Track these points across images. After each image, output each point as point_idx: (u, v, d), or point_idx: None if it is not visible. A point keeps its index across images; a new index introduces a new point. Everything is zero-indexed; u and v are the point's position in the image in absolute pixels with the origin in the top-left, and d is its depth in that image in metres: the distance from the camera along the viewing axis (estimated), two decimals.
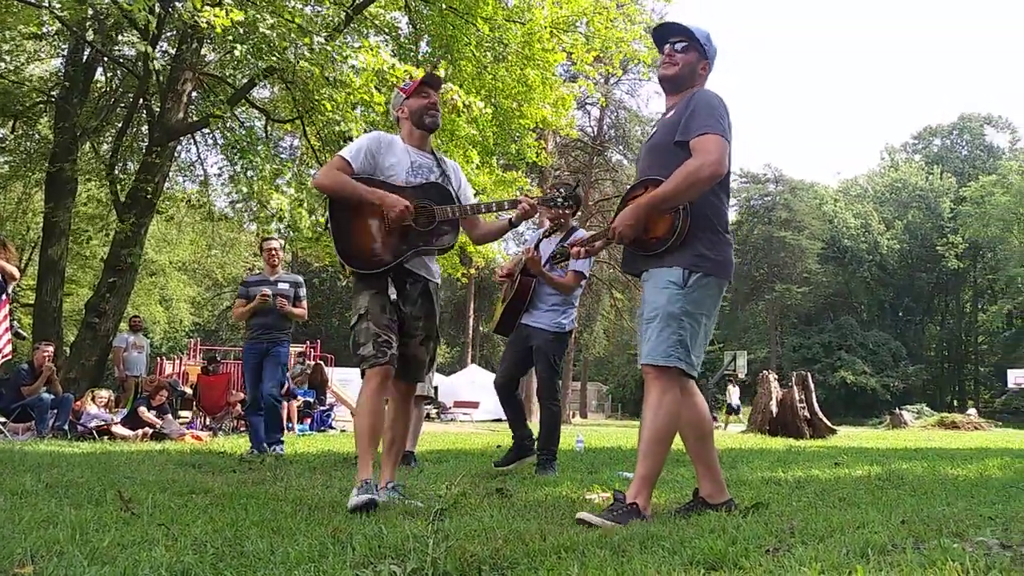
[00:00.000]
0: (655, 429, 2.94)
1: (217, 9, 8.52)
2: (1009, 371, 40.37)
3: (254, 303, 6.98)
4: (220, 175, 19.62)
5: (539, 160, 15.19)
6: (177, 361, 16.34)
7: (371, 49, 9.52)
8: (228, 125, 12.64)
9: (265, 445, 6.85)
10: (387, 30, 13.40)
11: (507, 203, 3.64)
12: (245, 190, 11.61)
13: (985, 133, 61.13)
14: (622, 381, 54.46)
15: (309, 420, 12.44)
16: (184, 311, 35.09)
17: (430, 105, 3.63)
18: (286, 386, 10.28)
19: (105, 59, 14.95)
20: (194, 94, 13.94)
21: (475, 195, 5.59)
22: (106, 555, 2.17)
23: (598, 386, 54.28)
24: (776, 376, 15.97)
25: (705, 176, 2.94)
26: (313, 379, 13.77)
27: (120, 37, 14.93)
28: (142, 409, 9.58)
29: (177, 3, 10.54)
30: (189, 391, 12.24)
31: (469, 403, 25.77)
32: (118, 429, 9.15)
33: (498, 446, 7.95)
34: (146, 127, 14.89)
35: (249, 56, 9.57)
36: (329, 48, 9.18)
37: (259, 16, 9.13)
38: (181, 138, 14.77)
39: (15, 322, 8.69)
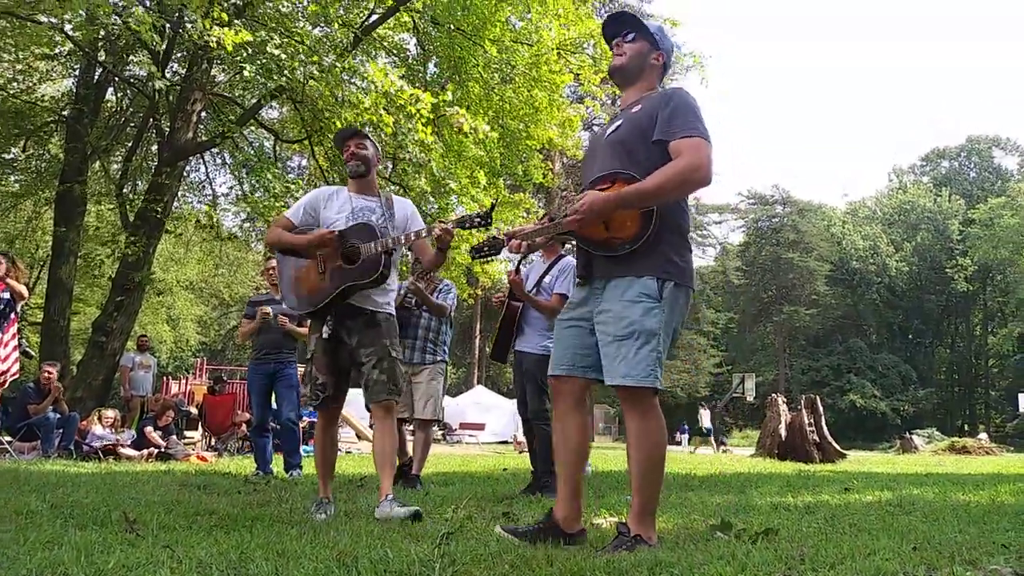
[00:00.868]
0: (647, 457, 2.77)
1: (226, 29, 8.61)
2: (1020, 395, 39.94)
3: (255, 322, 6.99)
4: (228, 195, 19.76)
5: (546, 181, 15.24)
6: (183, 381, 16.35)
7: (379, 69, 9.61)
8: (237, 145, 12.73)
9: (271, 467, 6.89)
10: (395, 51, 13.51)
11: (424, 230, 3.77)
12: (250, 209, 11.68)
13: (993, 155, 61.14)
14: None
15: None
16: (191, 330, 35.14)
17: (349, 156, 3.92)
18: None
19: (116, 79, 15.09)
20: (203, 114, 14.06)
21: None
22: None
23: (605, 408, 53.92)
24: (785, 399, 15.87)
25: (697, 179, 2.78)
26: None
27: (131, 58, 15.09)
28: (148, 429, 9.57)
29: (187, 24, 10.65)
30: (194, 411, 12.22)
31: (475, 425, 25.68)
32: (123, 449, 9.14)
33: (504, 469, 7.90)
34: (156, 147, 15.01)
35: (258, 76, 9.66)
36: (340, 67, 9.26)
37: (269, 36, 9.22)
38: (190, 158, 14.88)
39: (23, 340, 8.71)
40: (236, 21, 9.00)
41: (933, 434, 35.59)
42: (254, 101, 13.55)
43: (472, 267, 12.22)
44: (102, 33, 12.07)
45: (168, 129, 13.18)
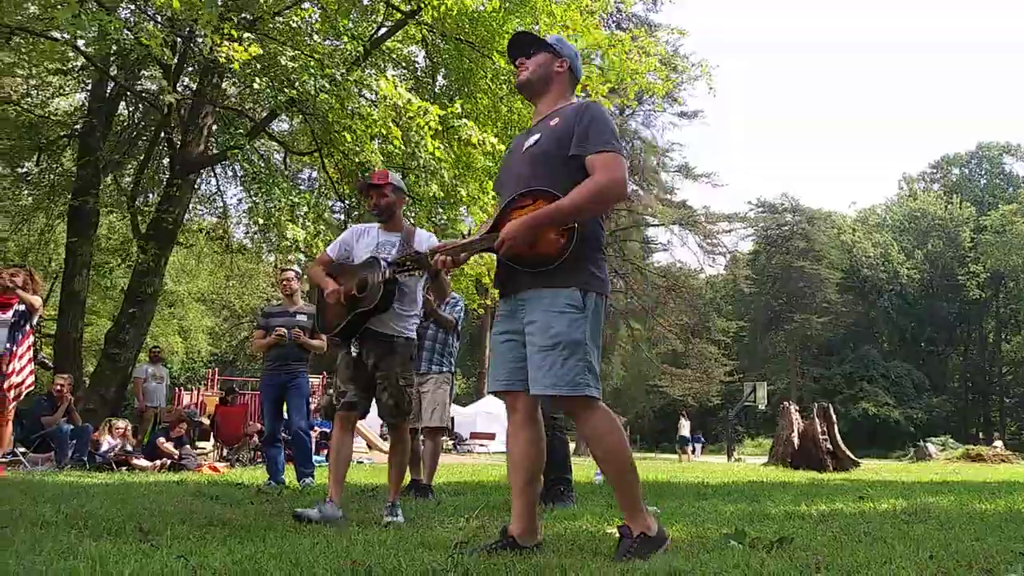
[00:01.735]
0: (608, 454, 2.85)
1: (236, 44, 8.67)
2: None
3: (269, 340, 6.97)
4: (239, 206, 19.86)
5: None
6: (195, 391, 16.40)
7: (389, 82, 9.66)
8: (247, 157, 12.80)
9: (283, 478, 6.90)
10: (404, 64, 13.57)
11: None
12: (262, 221, 11.72)
13: (1004, 162, 60.90)
14: (641, 412, 54.06)
15: (326, 451, 12.41)
16: (202, 341, 35.24)
17: (372, 206, 4.37)
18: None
19: (128, 93, 15.21)
20: (214, 127, 14.17)
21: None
22: None
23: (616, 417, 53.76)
24: (797, 407, 15.79)
25: (613, 196, 2.85)
26: (329, 410, 13.76)
27: (143, 72, 15.21)
28: (161, 440, 9.60)
29: (198, 39, 10.74)
30: (207, 421, 12.26)
31: (485, 435, 25.64)
32: (136, 460, 9.18)
33: None
34: (167, 160, 15.10)
35: (269, 89, 9.72)
36: (350, 79, 9.31)
37: (279, 49, 9.28)
38: (201, 170, 14.96)
39: (40, 352, 8.78)
40: (247, 35, 9.05)
41: (947, 442, 35.27)
42: (265, 114, 13.63)
43: (481, 278, 12.21)
44: (114, 48, 12.19)
45: (179, 142, 13.27)
